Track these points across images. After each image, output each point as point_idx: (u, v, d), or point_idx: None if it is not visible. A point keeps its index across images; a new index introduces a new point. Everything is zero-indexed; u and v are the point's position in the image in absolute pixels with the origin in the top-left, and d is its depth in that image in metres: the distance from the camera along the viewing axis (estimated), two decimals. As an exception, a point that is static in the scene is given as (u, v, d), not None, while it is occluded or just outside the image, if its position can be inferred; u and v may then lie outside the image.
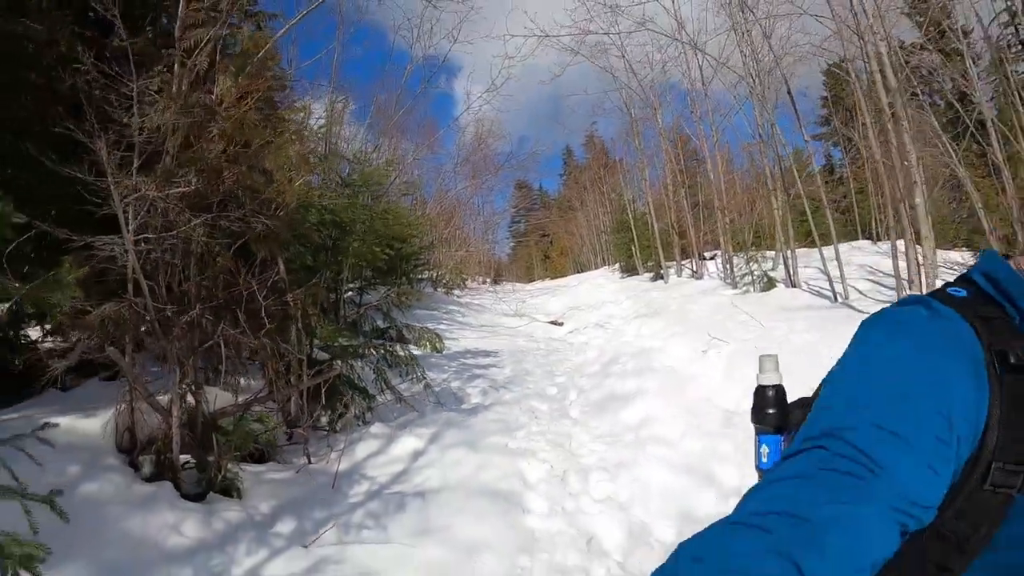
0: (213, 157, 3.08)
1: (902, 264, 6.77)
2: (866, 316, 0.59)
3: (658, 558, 2.31)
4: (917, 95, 9.64)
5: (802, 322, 6.04)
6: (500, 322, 12.07)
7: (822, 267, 8.56)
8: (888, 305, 0.60)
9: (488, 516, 2.97)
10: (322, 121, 7.85)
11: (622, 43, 12.61)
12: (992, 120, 8.25)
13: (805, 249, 11.45)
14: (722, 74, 11.11)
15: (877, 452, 0.46)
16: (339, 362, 4.30)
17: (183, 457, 2.93)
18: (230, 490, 2.98)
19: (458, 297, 16.72)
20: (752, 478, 0.78)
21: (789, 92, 9.01)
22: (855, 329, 0.58)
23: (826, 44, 8.77)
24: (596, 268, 27.31)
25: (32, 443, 1.71)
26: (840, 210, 18.44)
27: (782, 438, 0.86)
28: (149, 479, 2.81)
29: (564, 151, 43.21)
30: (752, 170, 15.68)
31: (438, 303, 13.25)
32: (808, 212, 9.44)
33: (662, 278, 14.67)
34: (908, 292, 6.31)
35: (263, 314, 3.21)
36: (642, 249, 17.62)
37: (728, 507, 0.50)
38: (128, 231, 2.76)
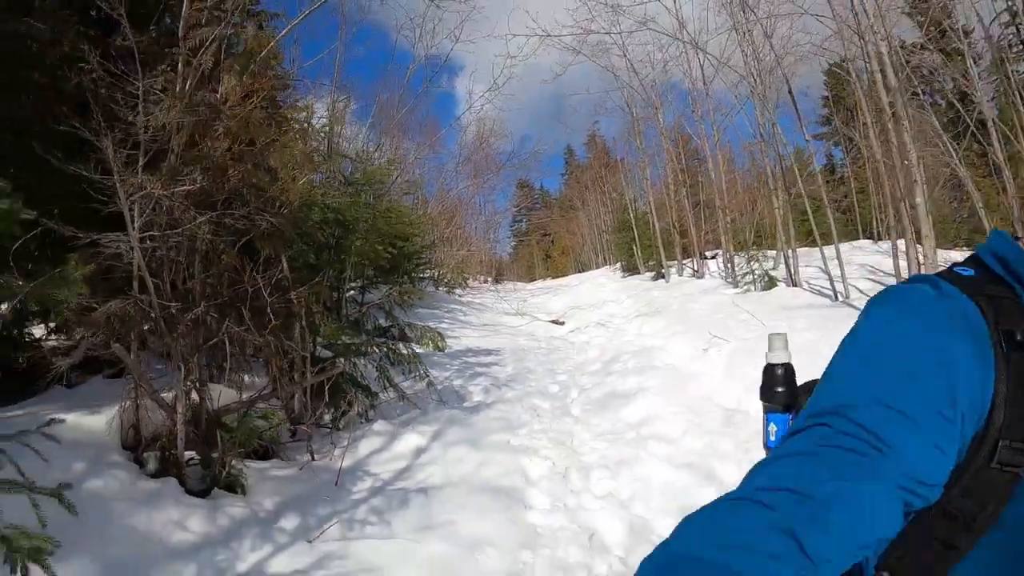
0: (218, 155, 3.09)
1: (903, 263, 6.79)
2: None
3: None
4: (918, 95, 9.65)
5: (803, 321, 6.04)
6: (502, 321, 12.07)
7: (823, 266, 8.56)
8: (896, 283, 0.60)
9: (490, 512, 2.98)
10: (324, 120, 7.86)
11: (623, 43, 12.63)
12: (993, 120, 8.25)
13: (806, 248, 11.44)
14: (723, 73, 11.13)
15: (884, 431, 0.47)
16: (342, 360, 4.32)
17: (187, 453, 2.94)
18: (234, 486, 2.99)
19: (460, 296, 16.73)
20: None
21: (790, 92, 8.99)
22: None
23: (827, 44, 8.79)
24: (597, 267, 27.30)
25: (38, 439, 1.71)
26: (841, 209, 18.43)
27: (790, 416, 0.87)
28: (154, 475, 2.83)
29: (566, 150, 43.36)
30: (753, 169, 15.67)
31: (440, 302, 13.26)
32: (809, 211, 9.43)
33: (663, 277, 14.66)
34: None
35: (267, 312, 3.22)
36: (643, 248, 17.59)
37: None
38: (134, 228, 2.77)
